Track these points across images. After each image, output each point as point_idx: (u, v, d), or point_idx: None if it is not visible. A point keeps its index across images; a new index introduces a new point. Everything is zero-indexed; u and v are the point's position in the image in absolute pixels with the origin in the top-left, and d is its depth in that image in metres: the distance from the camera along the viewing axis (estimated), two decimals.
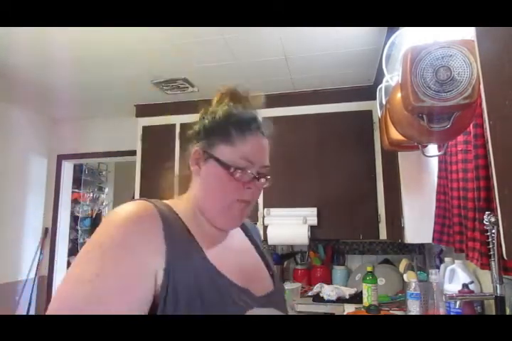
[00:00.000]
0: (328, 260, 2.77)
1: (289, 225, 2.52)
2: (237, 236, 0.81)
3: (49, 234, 3.29)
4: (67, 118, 3.40)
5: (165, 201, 0.72)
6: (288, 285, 2.45)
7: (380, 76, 2.19)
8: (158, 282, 0.58)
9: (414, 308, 1.79)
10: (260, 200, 2.61)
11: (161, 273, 0.59)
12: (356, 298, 2.32)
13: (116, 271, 0.56)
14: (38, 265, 3.18)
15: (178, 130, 2.82)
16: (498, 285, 1.02)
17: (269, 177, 0.76)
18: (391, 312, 2.06)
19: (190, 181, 0.78)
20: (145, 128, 2.94)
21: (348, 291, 2.40)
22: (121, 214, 0.62)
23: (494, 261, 0.98)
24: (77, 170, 3.93)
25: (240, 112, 0.76)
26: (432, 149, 1.48)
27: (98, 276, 0.54)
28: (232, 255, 0.74)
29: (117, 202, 4.41)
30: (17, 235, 3.05)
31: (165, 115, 2.87)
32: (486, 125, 0.63)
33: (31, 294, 3.09)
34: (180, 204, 0.73)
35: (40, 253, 3.22)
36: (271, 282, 0.79)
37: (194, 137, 0.78)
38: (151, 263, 0.58)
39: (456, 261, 1.52)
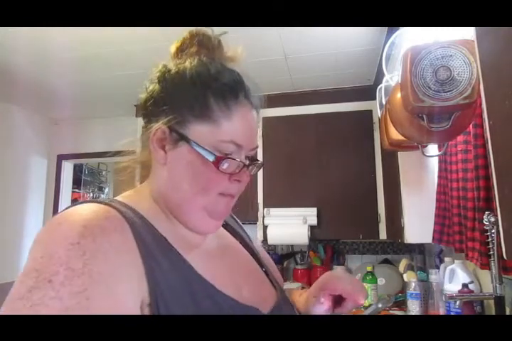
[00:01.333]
0: (328, 260, 2.77)
1: (289, 225, 2.52)
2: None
3: None
4: (67, 118, 3.40)
5: (120, 199, 0.53)
6: (288, 285, 2.45)
7: (380, 76, 2.19)
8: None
9: (414, 308, 1.80)
10: (260, 200, 2.62)
11: (147, 310, 0.43)
12: None
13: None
14: None
15: None
16: (497, 285, 1.02)
17: (259, 161, 0.58)
18: (391, 312, 2.06)
19: (149, 169, 0.58)
20: None
21: None
22: (73, 223, 0.42)
23: (494, 260, 0.98)
24: (77, 170, 3.94)
25: (219, 70, 0.55)
26: (432, 149, 1.48)
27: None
28: (223, 263, 0.59)
29: None
30: (17, 235, 3.05)
31: None
32: (486, 125, 0.63)
33: None
34: (141, 201, 0.54)
35: None
36: (270, 285, 0.66)
37: (150, 106, 0.57)
38: (130, 300, 0.41)
39: (456, 260, 1.52)
